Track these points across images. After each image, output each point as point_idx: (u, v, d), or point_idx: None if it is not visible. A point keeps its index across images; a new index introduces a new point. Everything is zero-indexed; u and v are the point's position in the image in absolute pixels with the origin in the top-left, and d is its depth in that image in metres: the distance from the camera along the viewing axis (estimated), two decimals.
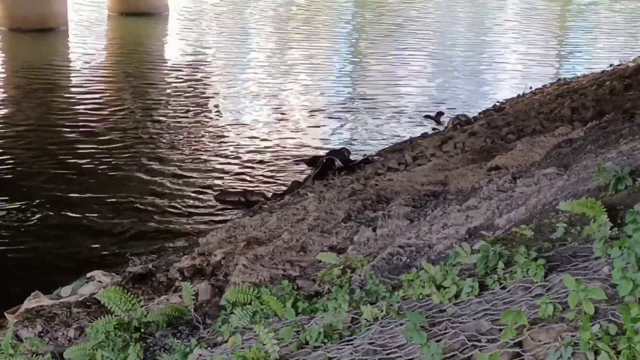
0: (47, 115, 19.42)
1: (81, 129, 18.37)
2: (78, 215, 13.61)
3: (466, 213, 8.17)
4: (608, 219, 5.38)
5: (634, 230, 4.54)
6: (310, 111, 20.39)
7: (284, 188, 14.73)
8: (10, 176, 15.41)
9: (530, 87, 21.17)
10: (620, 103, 14.91)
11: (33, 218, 13.49)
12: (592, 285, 4.24)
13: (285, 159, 16.76)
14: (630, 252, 4.29)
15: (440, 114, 19.65)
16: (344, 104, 21.32)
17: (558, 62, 27.47)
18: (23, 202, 14.02)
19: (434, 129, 18.46)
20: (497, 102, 20.41)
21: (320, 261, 7.71)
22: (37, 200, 14.08)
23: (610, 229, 5.18)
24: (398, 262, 6.91)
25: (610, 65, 22.78)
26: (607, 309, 4.12)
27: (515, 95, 20.76)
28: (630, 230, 4.58)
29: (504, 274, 4.93)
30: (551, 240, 5.41)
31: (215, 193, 14.74)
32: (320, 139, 18.28)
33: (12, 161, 16.18)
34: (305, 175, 15.21)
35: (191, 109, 20.18)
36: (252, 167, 16.24)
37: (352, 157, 16.11)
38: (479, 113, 19.09)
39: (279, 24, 32.44)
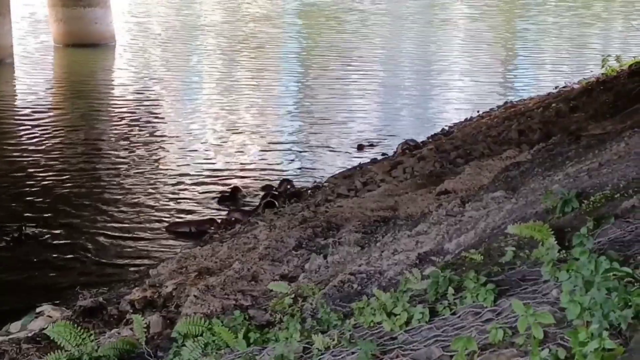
0: None
1: (27, 161, 18.22)
2: (25, 250, 13.46)
3: (416, 238, 8.20)
4: (556, 242, 5.44)
5: (580, 253, 4.57)
6: (258, 138, 20.38)
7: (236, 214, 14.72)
8: None
9: (478, 111, 21.26)
10: (566, 125, 15.05)
11: None
12: (541, 310, 4.27)
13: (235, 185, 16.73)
14: (578, 275, 4.33)
15: (371, 145, 19.59)
16: (292, 131, 21.34)
17: (505, 85, 27.68)
18: None
19: (383, 154, 18.51)
20: (446, 126, 20.49)
21: (271, 290, 7.69)
22: None
23: (558, 252, 5.23)
24: (349, 289, 6.91)
25: (556, 87, 22.97)
26: (556, 333, 4.15)
27: (463, 119, 20.89)
28: (577, 253, 4.62)
29: (454, 299, 4.95)
30: (500, 265, 5.45)
31: (165, 223, 14.66)
32: (267, 165, 18.28)
33: None
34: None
35: (138, 139, 20.09)
36: (202, 196, 16.18)
37: (301, 184, 16.20)
38: (428, 137, 19.16)
39: (225, 54, 32.40)
